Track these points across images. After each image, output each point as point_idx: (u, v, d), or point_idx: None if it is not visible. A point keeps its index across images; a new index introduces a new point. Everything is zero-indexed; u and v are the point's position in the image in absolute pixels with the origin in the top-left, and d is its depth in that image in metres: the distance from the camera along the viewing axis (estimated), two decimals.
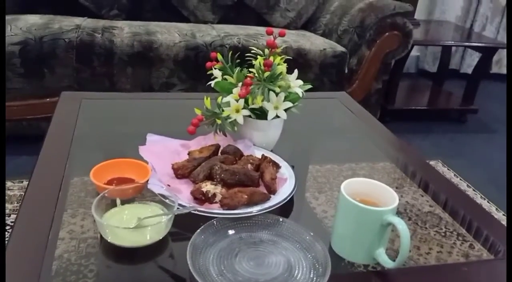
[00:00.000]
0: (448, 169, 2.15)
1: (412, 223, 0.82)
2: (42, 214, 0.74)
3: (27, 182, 0.81)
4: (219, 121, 0.88)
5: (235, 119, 0.90)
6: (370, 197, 0.71)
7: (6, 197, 1.58)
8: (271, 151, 0.97)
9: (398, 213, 0.83)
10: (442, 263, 0.73)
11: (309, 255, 0.68)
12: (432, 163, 2.18)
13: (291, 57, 0.96)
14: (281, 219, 0.74)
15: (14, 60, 1.74)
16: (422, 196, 0.92)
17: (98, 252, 0.67)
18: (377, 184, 0.72)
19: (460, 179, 2.07)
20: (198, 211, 0.71)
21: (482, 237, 0.80)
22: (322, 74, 2.08)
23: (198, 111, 0.90)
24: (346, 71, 2.14)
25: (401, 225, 0.63)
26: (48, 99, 1.84)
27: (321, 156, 1.08)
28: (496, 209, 1.88)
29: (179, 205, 0.71)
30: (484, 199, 1.94)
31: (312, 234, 0.70)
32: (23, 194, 0.79)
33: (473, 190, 2.00)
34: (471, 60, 3.28)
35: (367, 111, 1.33)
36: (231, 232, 0.72)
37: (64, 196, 0.79)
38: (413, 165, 1.05)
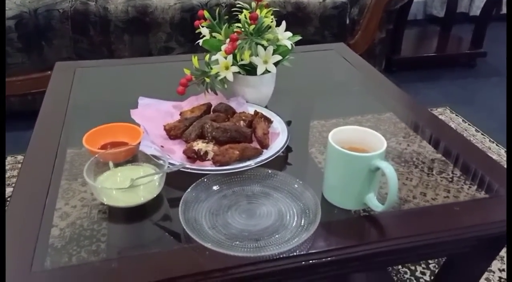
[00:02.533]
0: (456, 115, 2.12)
1: (419, 171, 0.81)
2: (40, 183, 0.75)
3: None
4: (208, 80, 0.87)
5: (225, 77, 0.89)
6: (359, 144, 0.71)
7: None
8: (265, 107, 0.97)
9: (405, 161, 0.84)
10: (434, 204, 0.73)
11: (300, 203, 0.69)
12: (440, 110, 2.16)
13: (277, 9, 0.93)
14: (270, 171, 0.75)
15: (11, 35, 1.74)
16: (429, 144, 0.91)
17: (107, 217, 0.69)
18: (365, 130, 0.72)
19: (468, 124, 2.05)
20: (188, 168, 0.73)
21: (487, 181, 0.79)
22: (322, 27, 2.03)
23: (187, 71, 0.89)
24: (348, 22, 2.09)
25: (388, 168, 0.64)
26: (49, 72, 1.82)
27: (322, 110, 1.06)
28: (505, 151, 1.86)
29: (170, 164, 0.72)
30: (493, 142, 1.92)
31: (301, 182, 0.71)
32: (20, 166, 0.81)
33: (482, 134, 1.98)
34: (480, 2, 3.15)
35: (366, 62, 1.30)
36: (223, 187, 0.73)
37: (61, 165, 0.80)
38: (417, 115, 1.03)
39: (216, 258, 0.59)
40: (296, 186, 0.72)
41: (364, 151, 0.70)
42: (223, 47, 0.91)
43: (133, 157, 0.76)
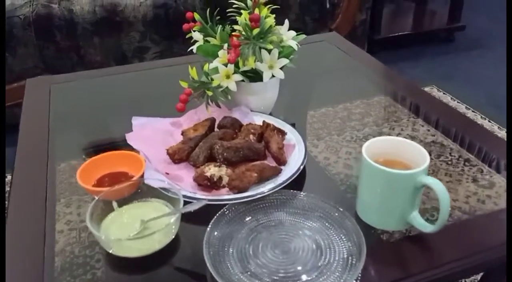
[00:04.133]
0: (444, 93, 2.08)
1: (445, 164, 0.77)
2: (34, 207, 0.69)
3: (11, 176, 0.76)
4: (210, 93, 0.78)
5: (227, 87, 0.80)
6: (394, 156, 0.64)
7: None
8: (270, 114, 0.88)
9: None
10: (478, 215, 0.67)
11: (337, 228, 0.61)
12: (427, 89, 2.11)
13: (278, 6, 0.84)
14: (294, 192, 0.67)
15: None
16: (423, 126, 0.88)
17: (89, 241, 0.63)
18: (401, 140, 0.64)
19: (458, 102, 2.01)
20: (208, 200, 0.63)
21: (488, 159, 0.78)
22: (303, 14, 1.94)
23: (184, 84, 0.79)
24: (328, 6, 2.00)
25: (437, 185, 0.56)
26: (16, 84, 1.70)
27: (315, 101, 1.01)
28: (499, 127, 1.84)
29: (185, 197, 0.63)
30: (485, 119, 1.89)
31: (340, 209, 0.63)
32: (9, 189, 0.73)
33: (473, 111, 1.95)
34: None
35: (358, 47, 1.26)
36: (246, 218, 0.64)
37: (53, 185, 0.73)
38: (409, 95, 1.01)
39: None
40: (328, 208, 0.64)
41: (402, 165, 0.62)
42: (221, 53, 0.81)
43: (138, 191, 0.66)
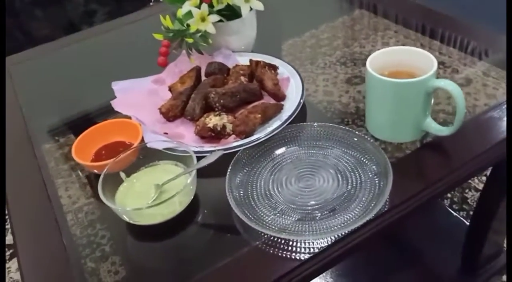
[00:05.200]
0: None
1: None
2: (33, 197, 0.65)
3: None
4: (190, 40, 0.72)
5: (205, 31, 0.74)
6: (398, 66, 0.61)
7: None
8: (252, 51, 0.84)
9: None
10: (482, 112, 0.66)
11: (355, 153, 0.60)
12: None
13: None
14: (305, 126, 0.65)
15: None
16: (391, 38, 0.87)
17: (100, 217, 0.60)
18: (405, 49, 0.62)
19: None
20: (223, 150, 0.60)
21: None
22: None
23: (159, 37, 0.74)
24: None
25: (451, 86, 0.55)
26: None
27: (284, 32, 0.98)
28: None
29: (195, 152, 0.59)
30: None
31: (357, 132, 0.61)
32: None
33: None
34: None
35: None
36: (262, 160, 0.62)
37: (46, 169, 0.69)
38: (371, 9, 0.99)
39: (298, 246, 0.50)
40: (342, 133, 0.62)
41: (409, 74, 0.60)
42: None
43: (141, 158, 0.62)
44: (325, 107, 0.72)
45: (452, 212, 1.12)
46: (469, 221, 1.04)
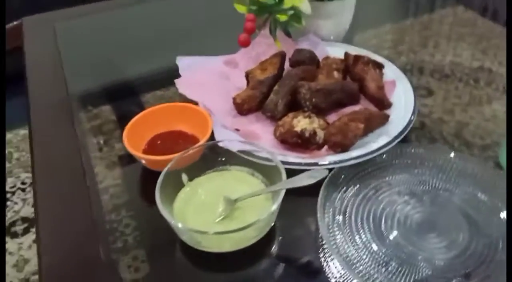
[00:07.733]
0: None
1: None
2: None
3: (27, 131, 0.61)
4: (283, 18, 0.58)
5: (298, 10, 0.60)
6: None
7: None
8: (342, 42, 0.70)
9: (445, 76, 0.66)
10: None
11: (487, 193, 0.45)
12: None
13: None
14: (416, 145, 0.50)
15: None
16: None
17: (127, 202, 0.49)
18: None
19: None
20: (315, 164, 0.47)
21: None
22: None
23: (241, 9, 0.60)
24: None
25: None
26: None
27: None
28: None
29: (269, 160, 0.45)
30: None
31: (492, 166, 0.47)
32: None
33: None
34: None
35: None
36: (362, 188, 0.48)
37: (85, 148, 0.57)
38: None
39: None
40: (475, 166, 0.47)
41: None
42: None
43: (208, 158, 0.49)
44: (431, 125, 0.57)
45: None
46: None
